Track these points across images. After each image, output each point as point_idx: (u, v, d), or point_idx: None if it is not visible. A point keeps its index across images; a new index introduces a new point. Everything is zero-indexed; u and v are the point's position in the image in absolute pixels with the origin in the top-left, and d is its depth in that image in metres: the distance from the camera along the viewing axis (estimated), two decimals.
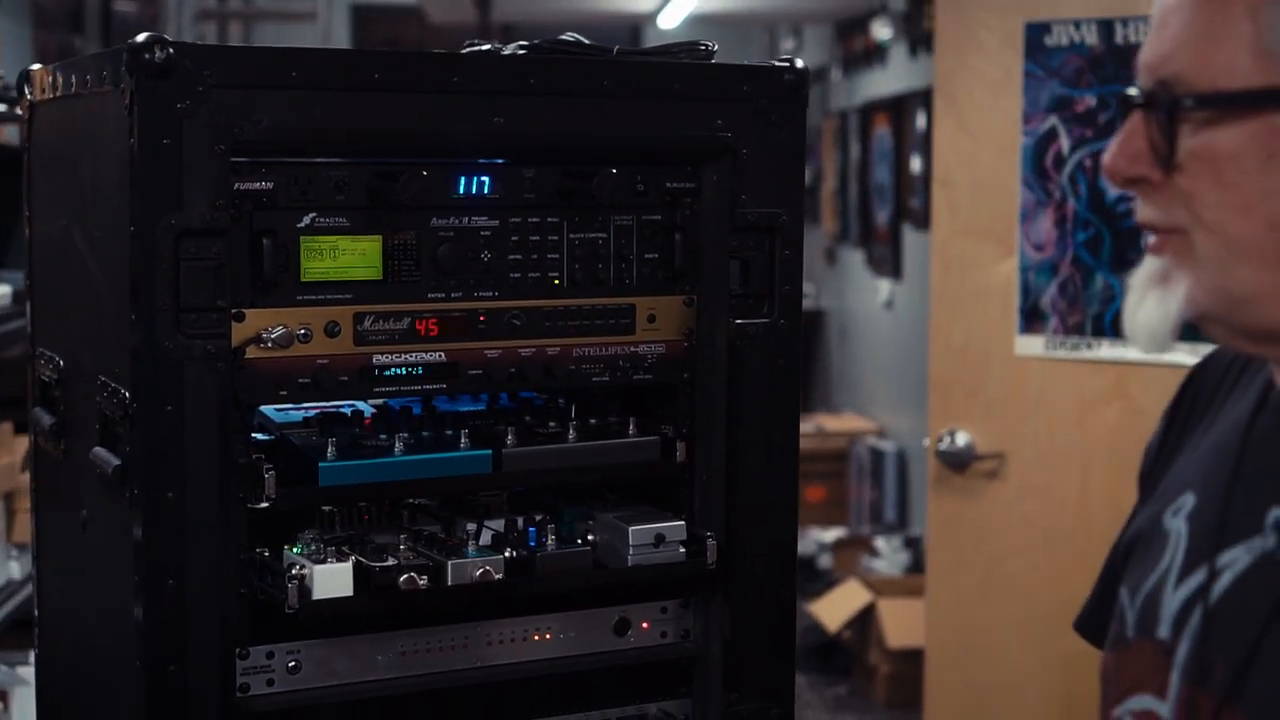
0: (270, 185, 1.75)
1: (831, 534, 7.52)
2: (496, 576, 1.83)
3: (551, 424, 1.95)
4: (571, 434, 1.93)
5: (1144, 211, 1.17)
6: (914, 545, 6.80)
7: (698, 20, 8.84)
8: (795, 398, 1.97)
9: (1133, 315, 1.18)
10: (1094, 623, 1.41)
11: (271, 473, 1.75)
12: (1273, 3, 1.08)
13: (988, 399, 3.62)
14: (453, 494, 1.95)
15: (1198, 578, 1.20)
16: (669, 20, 8.64)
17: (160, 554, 1.71)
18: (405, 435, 1.87)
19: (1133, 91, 1.17)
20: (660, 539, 1.90)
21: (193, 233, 1.68)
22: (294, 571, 1.76)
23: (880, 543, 7.06)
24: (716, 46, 1.95)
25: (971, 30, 3.69)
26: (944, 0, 3.89)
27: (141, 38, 1.66)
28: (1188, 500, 1.26)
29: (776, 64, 1.93)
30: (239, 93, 1.69)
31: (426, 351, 1.84)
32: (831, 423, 8.21)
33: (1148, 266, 1.18)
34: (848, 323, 8.76)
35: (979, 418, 3.69)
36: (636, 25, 9.85)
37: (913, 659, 4.85)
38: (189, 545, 1.71)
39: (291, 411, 1.96)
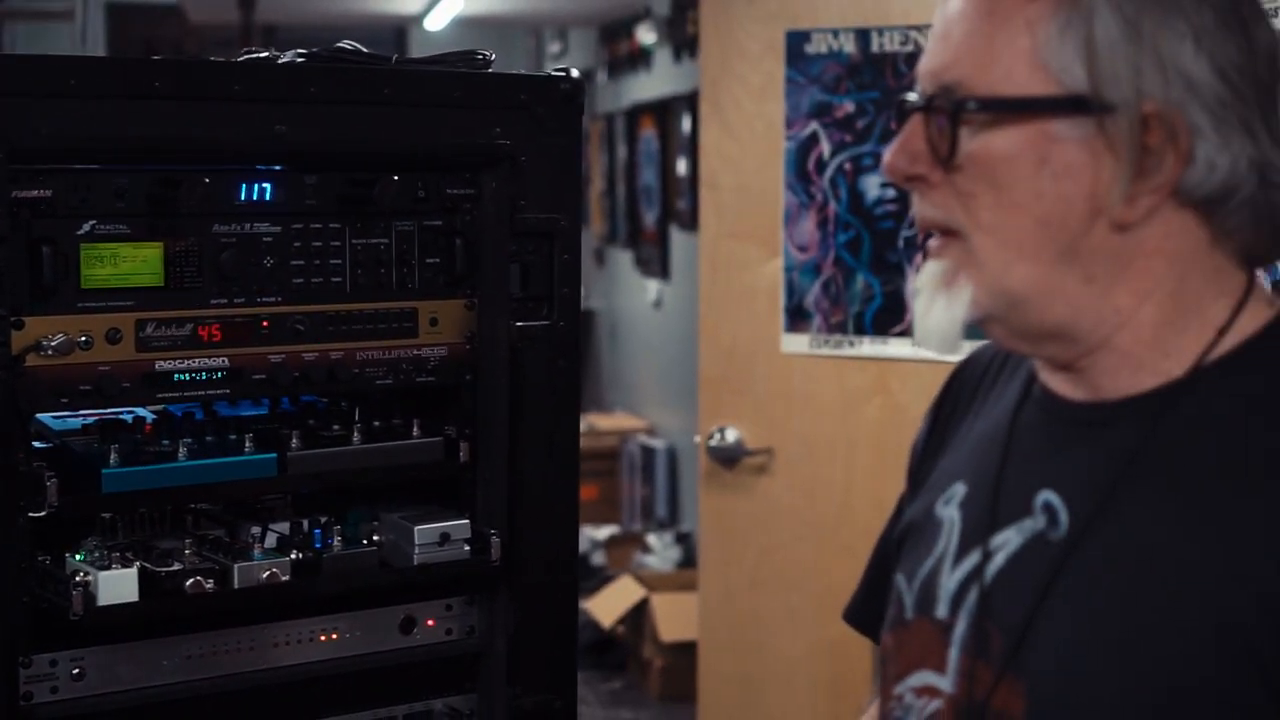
0: (49, 193, 1.74)
1: (605, 531, 7.61)
2: (283, 578, 1.85)
3: (336, 427, 1.98)
4: (356, 436, 1.96)
5: (923, 210, 1.24)
6: (685, 541, 6.93)
7: (464, 23, 8.86)
8: (575, 397, 2.03)
9: (923, 320, 1.24)
10: (863, 612, 1.49)
11: (53, 480, 1.75)
12: (1050, 19, 1.16)
13: (756, 396, 3.72)
14: (238, 498, 1.96)
15: (973, 559, 1.27)
16: (435, 23, 8.64)
17: None
18: (189, 440, 1.88)
19: (912, 96, 1.23)
20: (445, 537, 1.95)
21: None
22: (78, 579, 1.76)
23: (652, 539, 7.18)
24: (494, 55, 1.99)
25: (734, 38, 3.79)
26: (707, 9, 3.98)
27: None
28: (958, 489, 1.34)
29: (553, 73, 1.98)
30: (17, 101, 1.68)
31: (210, 357, 1.86)
32: (603, 421, 8.30)
33: (932, 269, 1.24)
34: (617, 323, 8.86)
35: (748, 414, 3.79)
36: (402, 27, 9.82)
37: (686, 652, 4.95)
38: None
39: (70, 419, 1.96)
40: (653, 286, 7.85)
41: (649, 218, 7.79)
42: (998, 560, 1.25)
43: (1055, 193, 1.17)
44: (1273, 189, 1.19)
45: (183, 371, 1.84)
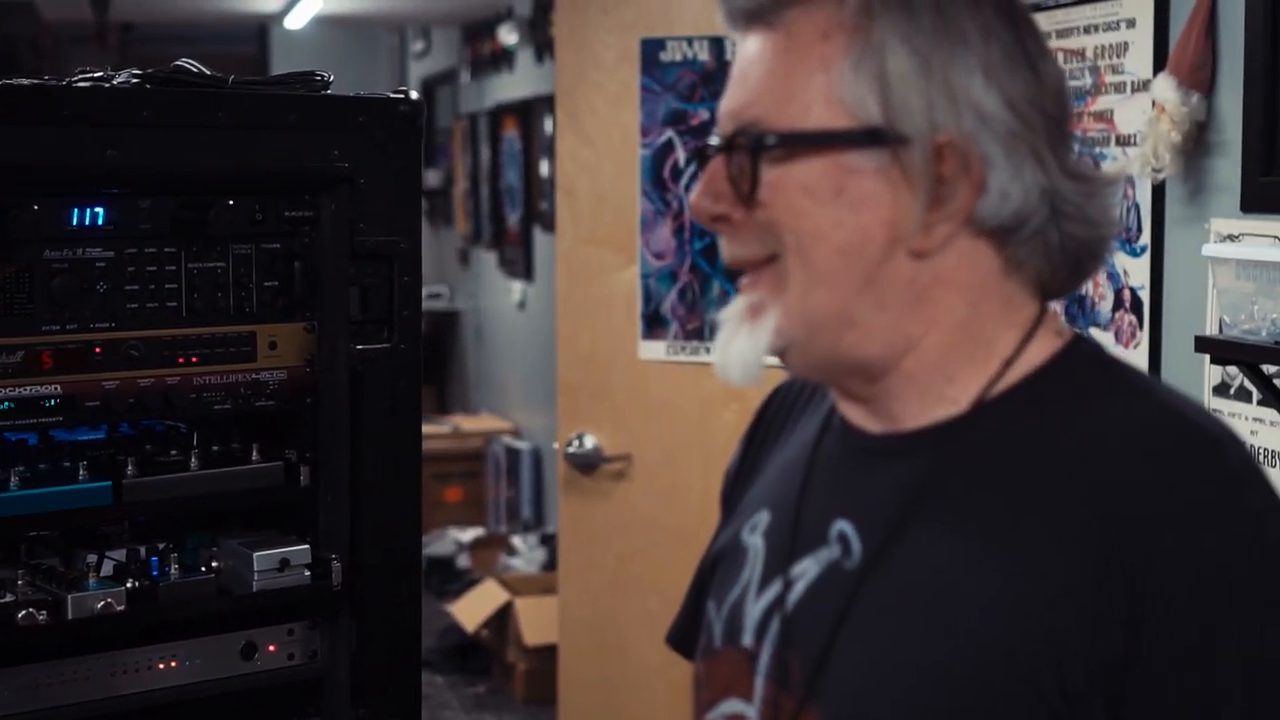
0: None
1: (470, 534, 7.60)
2: (119, 608, 1.83)
3: (174, 452, 1.96)
4: (194, 462, 1.94)
5: (731, 250, 1.26)
6: (550, 543, 6.93)
7: (325, 22, 8.78)
8: (416, 420, 2.03)
9: (724, 350, 1.25)
10: (684, 636, 1.50)
11: None
12: (843, 56, 1.20)
13: (613, 402, 3.74)
14: (72, 527, 1.94)
15: (775, 588, 1.29)
16: (295, 21, 8.56)
17: None
18: (21, 469, 1.85)
19: (713, 140, 1.26)
20: (285, 563, 1.93)
21: None
22: None
23: (517, 541, 7.17)
24: (332, 77, 1.99)
25: (590, 46, 3.80)
26: (562, 16, 3.99)
27: None
28: (763, 517, 1.36)
29: (391, 95, 1.98)
30: None
31: (42, 384, 1.83)
32: (468, 423, 8.27)
33: (739, 304, 1.25)
34: (483, 323, 8.84)
35: (606, 421, 3.80)
36: (264, 25, 9.71)
37: (550, 655, 4.95)
38: None
39: None
40: (517, 287, 7.84)
41: (512, 219, 7.78)
42: (798, 589, 1.27)
43: (854, 222, 1.20)
44: (1063, 219, 1.22)
45: (13, 400, 1.81)
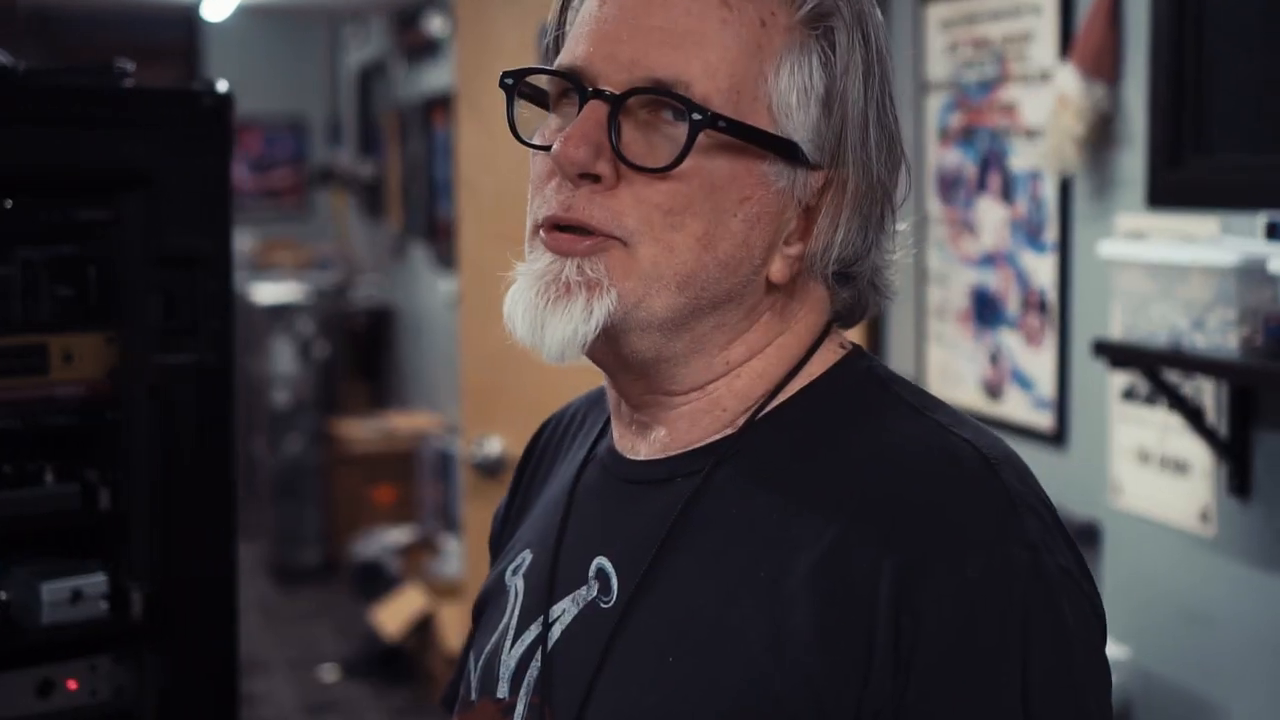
0: None
1: (403, 534, 7.44)
2: None
3: None
4: None
5: (588, 209, 1.08)
6: None
7: (251, 12, 8.60)
8: (229, 436, 1.88)
9: (542, 319, 1.09)
10: (452, 695, 1.36)
11: None
12: (779, 57, 1.08)
13: (521, 403, 3.61)
14: None
15: (532, 633, 1.18)
16: (215, 12, 8.37)
17: None
18: None
19: (607, 89, 1.08)
20: (78, 594, 1.78)
21: None
22: None
23: (446, 542, 7.02)
24: (133, 67, 1.83)
25: (491, 34, 3.67)
26: (462, 5, 3.85)
27: None
28: (526, 557, 1.24)
29: (196, 88, 1.83)
30: None
31: None
32: (401, 421, 8.12)
33: (566, 270, 1.08)
34: (419, 318, 8.69)
35: (513, 423, 3.68)
36: (190, 17, 9.51)
37: None
38: None
39: None
40: (449, 282, 7.68)
41: (444, 212, 7.63)
42: (555, 633, 1.16)
43: (744, 236, 1.09)
44: (877, 271, 1.17)
45: None
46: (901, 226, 1.18)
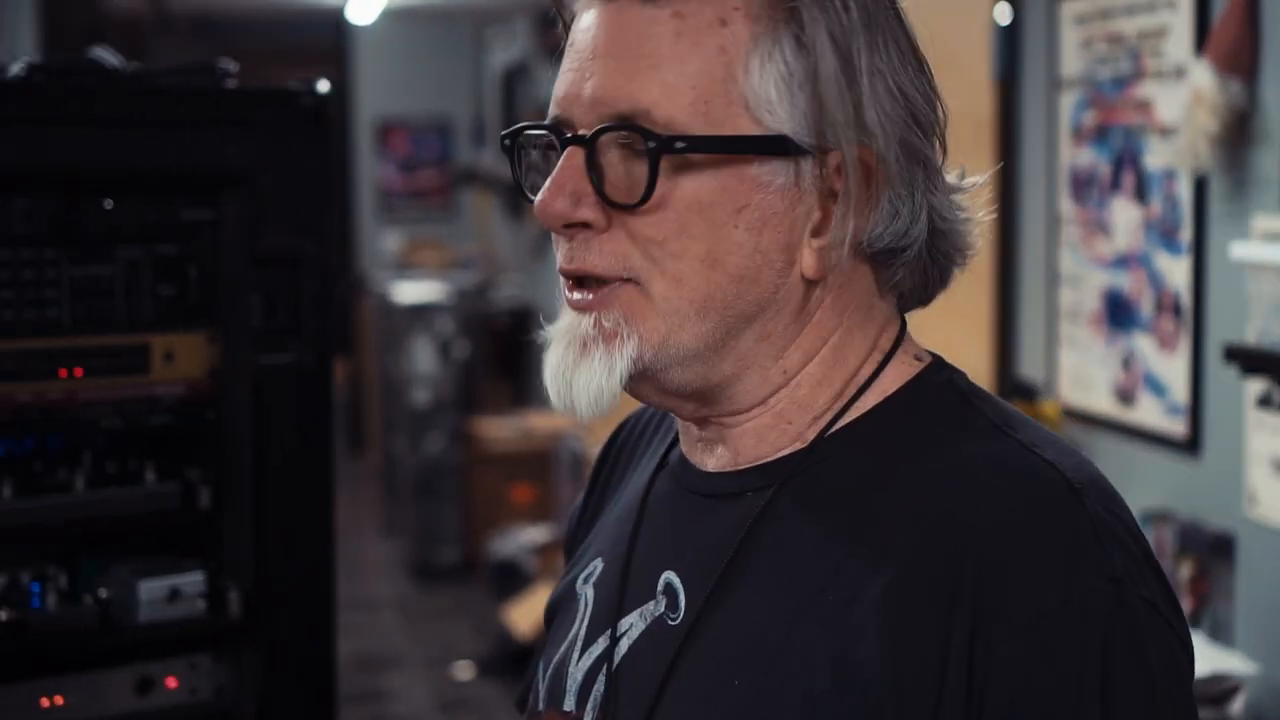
0: None
1: (540, 534, 7.46)
2: None
3: (60, 472, 1.82)
4: (80, 482, 1.80)
5: (587, 259, 1.07)
6: None
7: (396, 15, 8.68)
8: (328, 436, 1.88)
9: (568, 379, 1.07)
10: (526, 698, 1.34)
11: None
12: (747, 50, 1.03)
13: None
14: None
15: (600, 646, 1.15)
16: (362, 16, 8.46)
17: None
18: None
19: (581, 132, 1.06)
20: (175, 593, 1.79)
21: None
22: None
23: None
24: (235, 67, 1.84)
25: None
26: None
27: None
28: (597, 566, 1.22)
29: (295, 88, 1.83)
30: None
31: None
32: (540, 421, 8.14)
33: (582, 324, 1.07)
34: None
35: None
36: (338, 20, 9.63)
37: None
38: None
39: None
40: None
41: None
42: (622, 647, 1.13)
43: (753, 245, 1.04)
44: (937, 235, 1.09)
45: None
46: (970, 181, 1.11)
